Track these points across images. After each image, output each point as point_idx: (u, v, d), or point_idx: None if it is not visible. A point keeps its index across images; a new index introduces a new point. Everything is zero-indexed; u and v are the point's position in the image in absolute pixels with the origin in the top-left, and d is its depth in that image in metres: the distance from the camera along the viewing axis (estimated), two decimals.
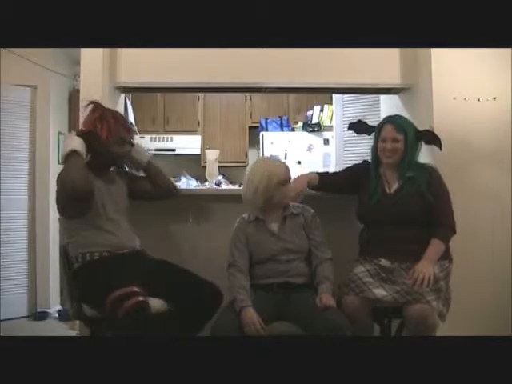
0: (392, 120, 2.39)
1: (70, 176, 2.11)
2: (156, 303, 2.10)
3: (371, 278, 2.21)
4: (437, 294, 2.14)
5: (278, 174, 2.32)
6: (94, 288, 2.09)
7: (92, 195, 2.17)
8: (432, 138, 2.40)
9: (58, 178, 2.20)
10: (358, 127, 2.54)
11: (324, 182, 2.49)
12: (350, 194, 2.49)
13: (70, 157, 2.17)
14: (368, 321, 2.22)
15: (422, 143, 2.43)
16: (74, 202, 2.16)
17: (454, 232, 2.29)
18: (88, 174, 2.16)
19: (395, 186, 2.36)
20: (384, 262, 2.24)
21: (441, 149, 2.44)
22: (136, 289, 2.00)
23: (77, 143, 2.20)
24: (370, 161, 2.48)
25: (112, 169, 2.45)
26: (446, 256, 2.29)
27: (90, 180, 2.16)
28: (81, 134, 2.25)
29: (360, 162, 2.58)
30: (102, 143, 2.24)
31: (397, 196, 2.33)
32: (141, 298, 1.97)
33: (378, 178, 2.40)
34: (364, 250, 2.38)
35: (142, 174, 2.53)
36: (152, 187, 2.49)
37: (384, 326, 2.37)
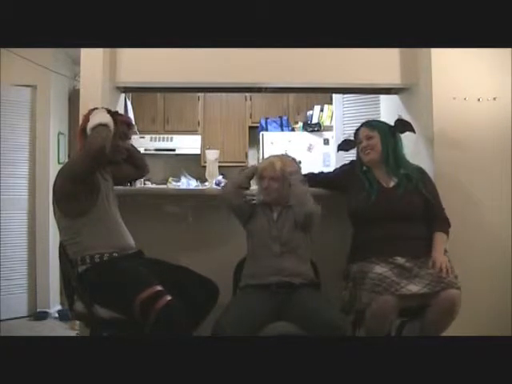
0: (364, 123, 2.54)
1: (99, 142, 2.08)
2: None
3: (398, 276, 2.18)
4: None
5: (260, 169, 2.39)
6: (113, 290, 2.06)
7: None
8: (404, 125, 2.43)
9: (61, 169, 2.17)
10: (346, 146, 2.63)
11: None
12: (334, 189, 2.58)
13: (98, 128, 2.14)
14: (394, 320, 2.23)
15: (401, 139, 2.46)
16: (95, 167, 2.13)
17: (450, 225, 2.40)
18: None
19: (391, 183, 2.41)
20: (399, 259, 2.23)
21: (414, 132, 2.46)
22: (160, 288, 1.98)
23: (108, 119, 2.20)
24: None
25: None
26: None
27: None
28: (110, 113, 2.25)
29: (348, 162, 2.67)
30: (116, 135, 2.24)
31: (395, 192, 2.37)
32: (169, 297, 1.95)
33: (369, 177, 2.44)
34: (370, 250, 2.32)
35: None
36: (130, 168, 2.53)
37: None
